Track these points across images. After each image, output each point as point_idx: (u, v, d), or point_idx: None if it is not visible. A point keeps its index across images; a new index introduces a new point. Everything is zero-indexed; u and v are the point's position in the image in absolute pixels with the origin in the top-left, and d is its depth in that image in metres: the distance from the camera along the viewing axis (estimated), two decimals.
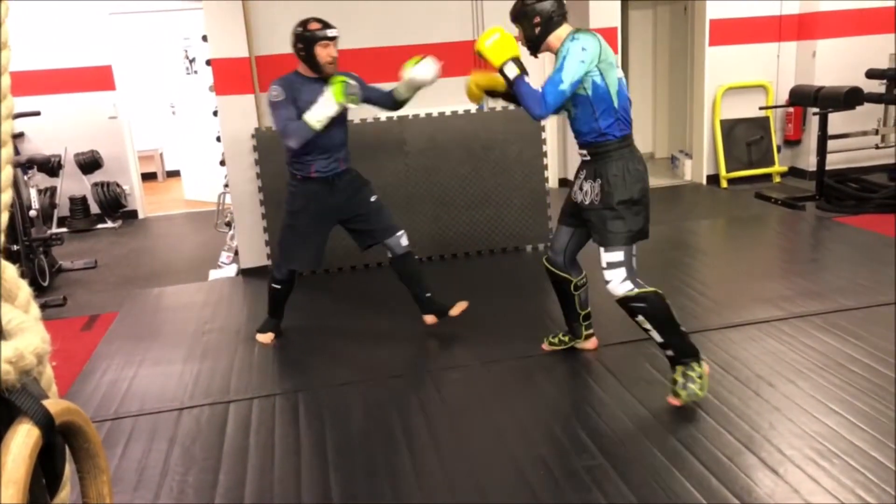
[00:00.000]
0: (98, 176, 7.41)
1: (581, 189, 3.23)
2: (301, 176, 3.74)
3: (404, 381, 3.58)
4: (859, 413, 2.96)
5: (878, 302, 4.07)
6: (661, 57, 8.41)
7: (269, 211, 5.19)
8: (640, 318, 3.12)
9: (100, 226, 7.38)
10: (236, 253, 5.51)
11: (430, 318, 4.06)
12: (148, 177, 9.24)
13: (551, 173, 7.54)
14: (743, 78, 7.10)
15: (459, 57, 5.54)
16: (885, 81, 6.59)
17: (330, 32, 3.61)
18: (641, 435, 2.96)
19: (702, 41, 7.07)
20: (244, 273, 5.41)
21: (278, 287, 4.01)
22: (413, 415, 3.27)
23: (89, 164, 7.29)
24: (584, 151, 3.18)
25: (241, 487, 2.79)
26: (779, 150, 7.32)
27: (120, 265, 6.05)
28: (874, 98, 6.37)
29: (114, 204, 7.37)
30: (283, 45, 5.17)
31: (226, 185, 5.53)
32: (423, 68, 3.69)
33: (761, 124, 7.18)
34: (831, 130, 6.37)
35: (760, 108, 7.14)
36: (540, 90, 2.97)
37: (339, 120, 3.69)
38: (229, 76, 5.11)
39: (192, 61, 7.91)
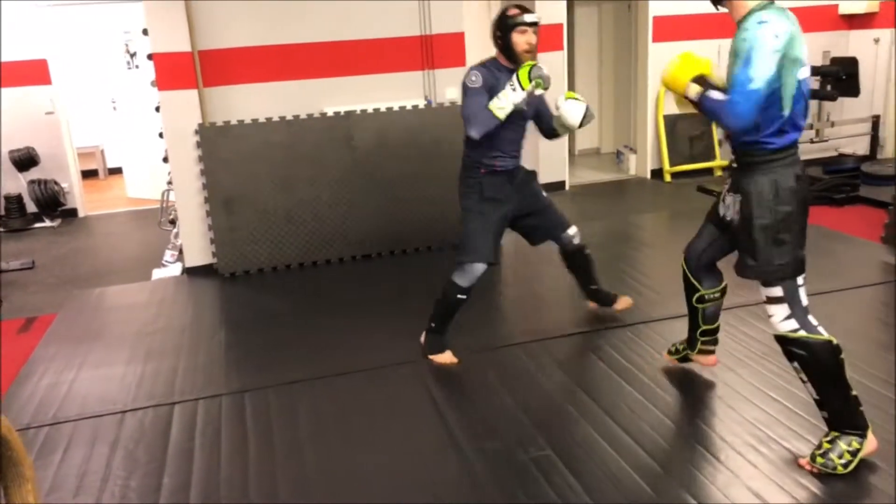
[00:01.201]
0: (34, 173, 7.15)
1: (724, 201, 2.80)
2: (486, 170, 3.54)
3: (352, 378, 3.56)
4: (796, 399, 3.06)
5: (815, 291, 4.19)
6: (606, 53, 8.52)
7: (213, 208, 5.10)
8: (796, 364, 2.63)
9: (37, 225, 7.14)
10: (181, 251, 5.39)
11: (593, 304, 4.10)
12: (88, 174, 8.97)
13: None
14: None
15: (407, 52, 5.54)
16: (818, 78, 6.82)
17: (528, 18, 3.36)
18: (588, 426, 3.00)
19: (645, 38, 7.20)
20: (189, 272, 5.29)
21: (464, 297, 3.56)
22: (360, 412, 3.25)
23: (25, 161, 7.03)
24: (733, 157, 2.69)
25: (185, 490, 2.74)
26: (720, 145, 7.50)
27: (59, 265, 5.87)
28: (809, 94, 6.57)
29: (51, 202, 7.13)
30: (227, 39, 5.12)
31: (169, 182, 5.40)
32: (570, 109, 3.42)
33: (703, 120, 7.35)
34: None
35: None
36: (726, 99, 2.49)
37: (524, 116, 3.57)
38: (172, 71, 4.99)
39: (133, 55, 7.69)
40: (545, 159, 7.16)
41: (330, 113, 5.25)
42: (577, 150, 8.73)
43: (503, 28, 3.42)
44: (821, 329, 2.61)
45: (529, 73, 3.28)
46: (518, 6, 3.44)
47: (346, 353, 3.82)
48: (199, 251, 5.28)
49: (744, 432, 2.87)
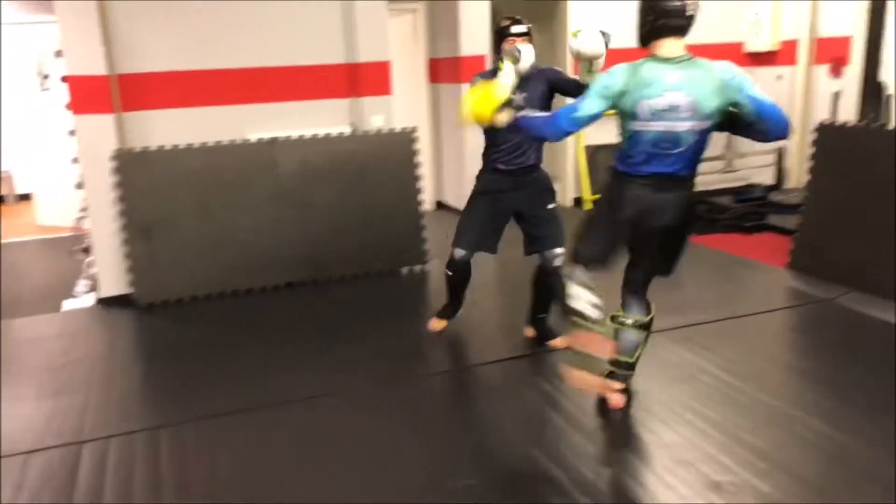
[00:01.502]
0: None
1: None
2: (488, 168, 3.89)
3: (272, 411, 3.47)
4: (710, 421, 3.17)
5: (725, 316, 4.38)
6: None
7: (130, 236, 4.93)
8: None
9: None
10: (94, 281, 5.18)
11: (530, 332, 4.16)
12: None
13: (427, 196, 7.63)
14: None
15: (332, 80, 5.54)
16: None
17: (514, 28, 3.65)
18: (513, 453, 3.03)
19: (565, 70, 7.40)
20: (103, 303, 5.07)
21: (450, 273, 4.06)
22: (282, 448, 3.17)
23: None
24: None
25: None
26: None
27: None
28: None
29: None
30: (147, 62, 5.00)
31: (83, 210, 5.20)
32: (585, 40, 3.37)
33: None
34: None
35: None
36: (550, 115, 3.08)
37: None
38: (87, 94, 4.82)
39: (45, 77, 7.41)
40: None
41: (253, 139, 5.19)
42: None
43: (496, 37, 3.77)
44: None
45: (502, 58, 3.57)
46: (512, 17, 3.73)
47: (267, 386, 3.73)
48: (114, 281, 5.07)
49: (663, 456, 2.95)
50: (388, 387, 3.65)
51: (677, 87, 2.80)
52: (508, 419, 3.31)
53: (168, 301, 5.05)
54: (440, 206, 7.88)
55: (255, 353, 4.15)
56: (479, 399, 3.52)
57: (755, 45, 7.44)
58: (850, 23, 6.58)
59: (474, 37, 6.94)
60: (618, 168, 3.07)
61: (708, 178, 7.41)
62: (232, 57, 5.20)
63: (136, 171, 4.90)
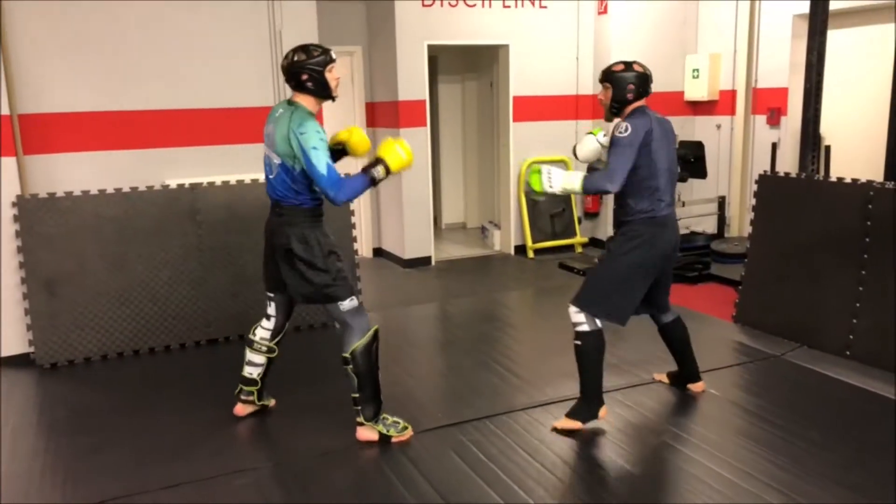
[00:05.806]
0: None
1: None
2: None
3: (179, 492, 3.07)
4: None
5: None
6: (469, 129, 8.61)
7: (32, 289, 4.49)
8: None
9: None
10: None
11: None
12: None
13: (365, 243, 7.35)
14: (545, 153, 7.39)
15: (259, 122, 5.24)
16: None
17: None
18: None
19: (506, 117, 7.30)
20: (1, 362, 4.59)
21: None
22: None
23: None
24: None
25: None
26: (580, 222, 7.65)
27: None
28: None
29: None
30: (53, 102, 4.64)
31: None
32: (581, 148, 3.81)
33: (563, 198, 7.47)
34: None
35: None
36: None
37: None
38: None
39: None
40: (409, 232, 7.00)
41: (172, 185, 4.84)
42: (444, 224, 8.68)
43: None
44: None
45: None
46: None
47: (175, 460, 3.33)
48: (12, 338, 4.61)
49: None
50: (318, 462, 3.30)
51: (271, 120, 3.31)
52: (439, 496, 2.99)
53: (74, 361, 4.60)
54: (378, 252, 7.59)
55: (165, 421, 3.74)
56: (408, 473, 3.18)
57: (694, 93, 7.48)
58: (786, 75, 6.65)
59: (412, 82, 6.77)
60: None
61: None
62: (149, 98, 4.89)
63: (40, 219, 4.50)
